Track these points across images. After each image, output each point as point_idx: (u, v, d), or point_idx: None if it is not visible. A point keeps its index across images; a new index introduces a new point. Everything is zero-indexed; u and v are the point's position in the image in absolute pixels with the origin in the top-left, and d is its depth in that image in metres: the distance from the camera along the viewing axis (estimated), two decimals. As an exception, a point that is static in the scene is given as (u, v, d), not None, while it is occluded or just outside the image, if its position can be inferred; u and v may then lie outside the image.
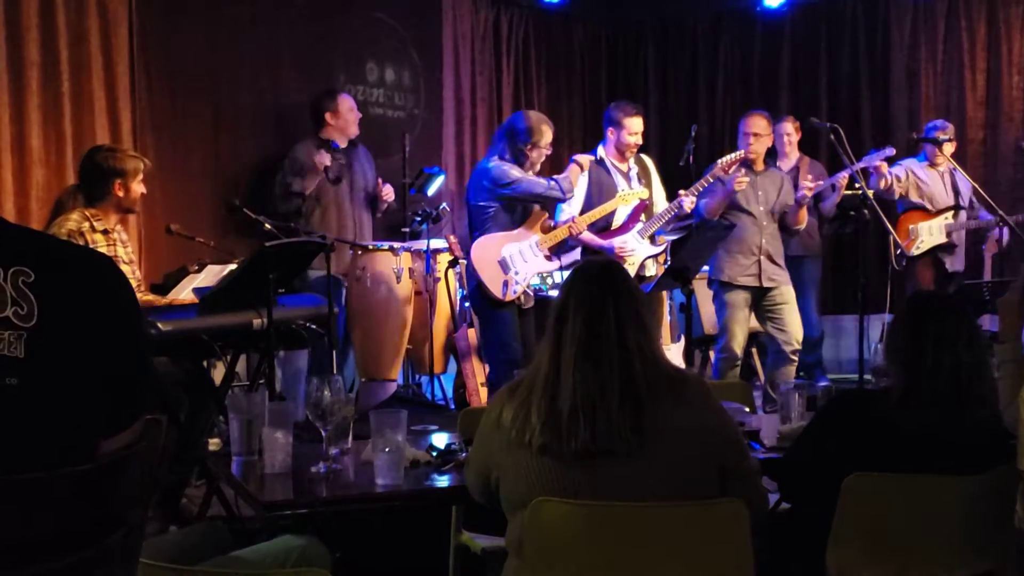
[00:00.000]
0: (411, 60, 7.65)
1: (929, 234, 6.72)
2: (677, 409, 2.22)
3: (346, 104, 6.35)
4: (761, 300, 5.96)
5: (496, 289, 5.24)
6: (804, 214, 6.08)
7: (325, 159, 6.11)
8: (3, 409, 1.31)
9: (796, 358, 5.95)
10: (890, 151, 6.59)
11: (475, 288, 5.35)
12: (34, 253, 1.38)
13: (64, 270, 1.39)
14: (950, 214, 6.75)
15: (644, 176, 5.89)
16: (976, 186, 6.50)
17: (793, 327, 5.92)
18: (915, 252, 6.69)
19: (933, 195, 6.77)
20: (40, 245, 1.42)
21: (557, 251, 5.44)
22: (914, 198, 6.77)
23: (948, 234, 6.73)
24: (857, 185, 5.96)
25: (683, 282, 4.90)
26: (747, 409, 3.47)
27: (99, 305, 1.40)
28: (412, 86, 7.67)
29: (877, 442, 2.44)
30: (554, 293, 5.53)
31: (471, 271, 5.31)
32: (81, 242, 4.15)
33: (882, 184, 6.57)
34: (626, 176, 5.78)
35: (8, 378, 1.31)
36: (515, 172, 5.27)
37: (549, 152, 5.41)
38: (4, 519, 1.27)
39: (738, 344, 5.92)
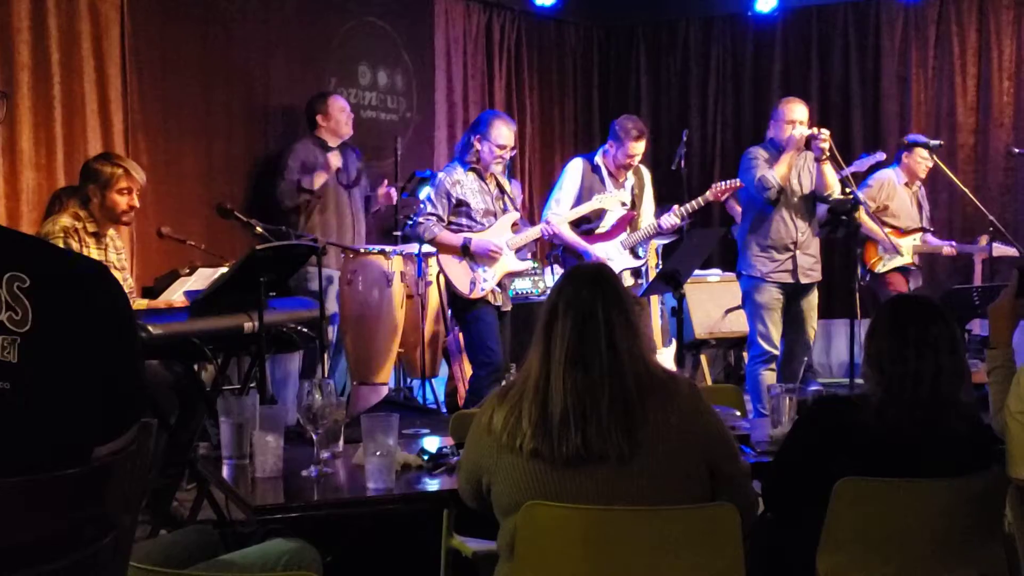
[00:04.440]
0: (403, 63, 7.65)
1: (899, 253, 6.48)
2: (668, 413, 2.22)
3: (336, 105, 6.40)
4: (794, 299, 5.68)
5: (463, 286, 5.20)
6: (832, 175, 5.54)
7: (336, 160, 6.19)
8: None
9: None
10: (880, 156, 6.58)
11: (450, 292, 5.30)
12: (30, 258, 1.38)
13: (59, 276, 1.39)
14: (919, 235, 6.56)
15: (638, 187, 5.83)
16: (971, 194, 6.50)
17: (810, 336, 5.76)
18: (881, 269, 6.50)
19: (900, 212, 6.57)
20: (36, 250, 1.42)
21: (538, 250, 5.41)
22: (885, 216, 6.47)
23: (914, 256, 6.53)
24: (848, 190, 5.96)
25: (674, 286, 4.91)
26: (738, 413, 3.47)
27: (94, 312, 1.40)
28: (404, 89, 7.67)
29: (855, 450, 2.42)
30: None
31: (440, 269, 5.24)
32: (74, 241, 4.14)
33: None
34: (620, 185, 5.78)
35: (0, 382, 1.31)
36: (431, 209, 5.21)
37: (505, 155, 5.26)
38: (-5, 523, 1.27)
39: (773, 345, 5.61)
